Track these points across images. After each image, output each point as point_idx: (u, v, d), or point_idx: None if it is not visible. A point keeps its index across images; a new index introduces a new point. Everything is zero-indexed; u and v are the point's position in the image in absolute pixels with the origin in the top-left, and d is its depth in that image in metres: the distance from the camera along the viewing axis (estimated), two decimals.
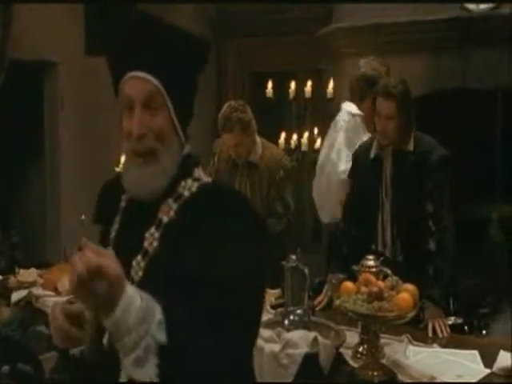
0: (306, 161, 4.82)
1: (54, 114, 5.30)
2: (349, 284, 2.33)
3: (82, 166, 5.19)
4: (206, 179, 1.41)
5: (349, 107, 3.55)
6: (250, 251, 1.27)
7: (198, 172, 1.40)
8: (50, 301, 3.08)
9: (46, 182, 5.39)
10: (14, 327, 3.15)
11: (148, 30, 1.36)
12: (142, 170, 1.33)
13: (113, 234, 1.44)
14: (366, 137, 3.25)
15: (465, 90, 4.73)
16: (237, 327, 1.19)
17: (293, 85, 4.62)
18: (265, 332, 2.25)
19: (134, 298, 1.10)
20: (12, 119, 4.79)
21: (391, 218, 2.86)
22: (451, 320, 2.75)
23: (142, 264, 1.33)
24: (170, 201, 1.35)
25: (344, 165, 3.35)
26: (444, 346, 2.47)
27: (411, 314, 2.22)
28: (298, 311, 2.45)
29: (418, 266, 2.69)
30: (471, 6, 4.66)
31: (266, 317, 2.49)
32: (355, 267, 2.40)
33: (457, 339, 2.57)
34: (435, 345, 2.49)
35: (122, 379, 1.16)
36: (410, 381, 2.16)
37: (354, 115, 3.50)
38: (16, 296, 3.28)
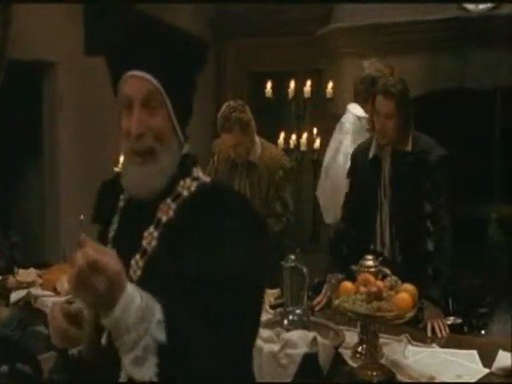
0: (305, 161, 4.82)
1: (53, 114, 5.29)
2: (348, 284, 2.33)
3: (81, 165, 5.19)
4: (205, 179, 1.40)
5: (354, 109, 3.56)
6: (249, 251, 1.27)
7: (197, 171, 1.40)
8: (49, 301, 3.07)
9: (45, 182, 5.39)
10: (13, 327, 3.14)
11: (147, 30, 1.36)
12: (141, 169, 1.33)
13: (111, 233, 1.44)
14: None
15: (463, 90, 4.73)
16: (236, 327, 1.19)
17: (292, 85, 4.63)
18: (264, 332, 2.24)
19: (133, 296, 1.10)
20: (11, 119, 4.78)
21: (390, 218, 2.86)
22: (450, 320, 2.76)
23: (141, 263, 1.33)
24: (169, 200, 1.35)
25: None
26: (443, 346, 2.47)
27: (410, 314, 2.22)
28: (297, 311, 2.45)
29: (416, 266, 2.69)
30: (470, 6, 4.67)
31: (265, 317, 2.49)
32: (354, 267, 2.40)
33: (456, 339, 2.57)
34: (434, 345, 2.49)
35: (122, 379, 1.16)
36: (408, 381, 2.16)
37: (359, 118, 3.51)
38: (15, 296, 3.28)
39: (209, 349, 1.14)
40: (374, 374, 2.17)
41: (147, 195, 1.35)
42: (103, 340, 1.29)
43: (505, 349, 2.29)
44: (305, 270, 2.46)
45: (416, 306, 2.25)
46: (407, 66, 4.45)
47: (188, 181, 1.37)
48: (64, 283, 3.11)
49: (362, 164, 2.97)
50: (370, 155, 2.90)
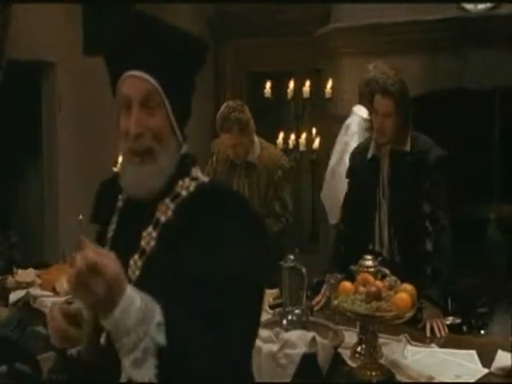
0: (304, 161, 4.82)
1: (51, 114, 5.29)
2: (347, 284, 2.33)
3: (80, 166, 5.19)
4: (204, 179, 1.40)
5: (359, 111, 3.57)
6: (248, 251, 1.27)
7: (196, 171, 1.40)
8: (48, 301, 3.07)
9: (44, 182, 5.39)
10: (12, 327, 3.14)
11: (146, 30, 1.36)
12: (140, 169, 1.33)
13: (110, 233, 1.43)
14: None
15: (462, 90, 4.74)
16: (235, 327, 1.19)
17: (291, 85, 4.62)
18: (263, 332, 2.24)
19: (133, 298, 1.09)
20: (10, 119, 4.77)
21: (388, 218, 2.86)
22: (449, 320, 2.76)
23: (140, 263, 1.33)
24: (168, 200, 1.34)
25: None
26: (442, 346, 2.47)
27: (409, 314, 2.22)
28: (296, 311, 2.45)
29: (415, 266, 2.69)
30: (469, 6, 4.67)
31: (264, 317, 2.48)
32: (353, 267, 2.40)
33: (455, 339, 2.57)
34: (433, 345, 2.48)
35: (123, 380, 1.15)
36: (408, 381, 2.16)
37: (365, 119, 3.52)
38: (14, 296, 3.28)
39: (207, 349, 1.13)
40: (373, 373, 2.17)
41: (146, 195, 1.35)
42: (102, 340, 1.29)
43: (504, 349, 2.29)
44: (304, 270, 2.46)
45: (415, 306, 2.25)
46: (406, 65, 4.45)
47: (187, 181, 1.37)
48: (63, 283, 3.10)
49: (360, 164, 2.97)
50: (369, 155, 2.90)
